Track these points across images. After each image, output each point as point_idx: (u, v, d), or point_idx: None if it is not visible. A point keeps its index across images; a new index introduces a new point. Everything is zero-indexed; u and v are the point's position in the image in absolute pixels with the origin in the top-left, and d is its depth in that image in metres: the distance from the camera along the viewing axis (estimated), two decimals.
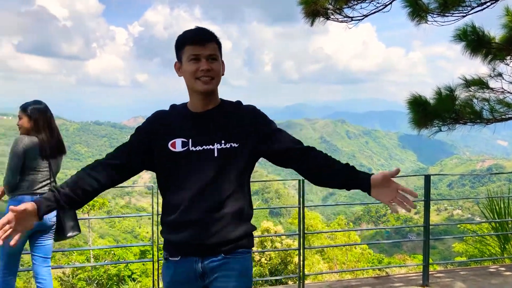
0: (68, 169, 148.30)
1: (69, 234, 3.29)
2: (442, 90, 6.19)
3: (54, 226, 3.29)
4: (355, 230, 19.24)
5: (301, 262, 3.70)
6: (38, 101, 3.32)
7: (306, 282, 4.20)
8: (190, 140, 1.78)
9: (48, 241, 3.30)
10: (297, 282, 3.73)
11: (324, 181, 1.87)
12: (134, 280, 19.22)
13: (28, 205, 1.67)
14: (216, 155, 1.77)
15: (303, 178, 3.65)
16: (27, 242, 3.31)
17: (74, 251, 20.50)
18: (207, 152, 1.77)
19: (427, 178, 3.98)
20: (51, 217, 3.24)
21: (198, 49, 1.77)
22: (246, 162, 1.83)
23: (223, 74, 1.86)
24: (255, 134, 1.83)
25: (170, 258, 1.85)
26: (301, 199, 3.67)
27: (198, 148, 1.77)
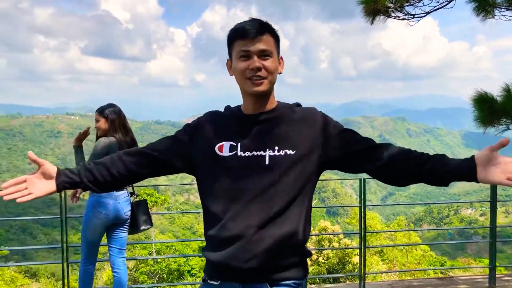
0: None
1: (142, 228, 3.54)
2: (510, 86, 5.95)
3: (129, 220, 3.54)
4: (416, 231, 18.69)
5: (362, 261, 3.72)
6: (112, 104, 3.58)
7: (366, 281, 4.21)
8: (239, 144, 1.58)
9: (123, 234, 3.56)
10: (358, 281, 3.76)
11: (415, 177, 1.55)
12: (193, 275, 19.79)
13: (49, 166, 1.54)
14: (267, 163, 1.53)
15: (364, 177, 3.67)
16: (105, 234, 3.58)
17: (137, 245, 21.42)
18: (257, 159, 1.54)
19: None
20: (126, 211, 3.50)
21: (248, 44, 1.53)
22: (305, 173, 1.56)
23: (280, 72, 1.62)
24: (316, 139, 1.58)
25: (208, 281, 1.59)
26: (362, 198, 3.69)
27: (247, 153, 1.56)
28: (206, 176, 1.62)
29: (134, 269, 20.06)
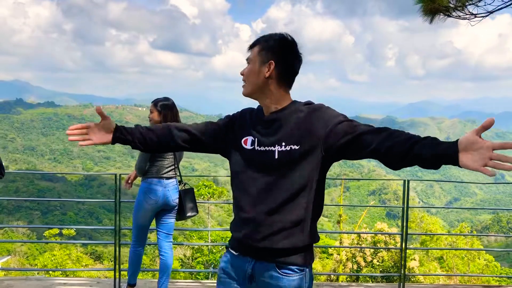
0: (192, 158, 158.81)
1: (189, 214, 3.78)
2: None
3: (177, 207, 3.78)
4: (465, 235, 17.79)
5: (403, 262, 3.71)
6: (167, 98, 3.81)
7: (410, 284, 4.18)
8: (257, 139, 1.80)
9: (171, 220, 3.81)
10: (398, 282, 3.75)
11: (405, 159, 1.56)
12: None
13: (110, 121, 1.85)
14: (276, 157, 1.73)
15: (408, 179, 3.66)
16: (154, 219, 3.84)
17: (194, 235, 22.05)
18: (269, 154, 1.75)
19: None
20: (174, 198, 3.74)
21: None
22: (309, 166, 1.72)
23: (266, 76, 1.78)
24: (318, 134, 1.71)
25: (230, 249, 1.88)
26: (405, 199, 3.68)
27: (262, 148, 1.77)
28: (233, 163, 1.89)
29: (191, 258, 20.75)
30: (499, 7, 5.17)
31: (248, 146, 1.82)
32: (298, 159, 1.72)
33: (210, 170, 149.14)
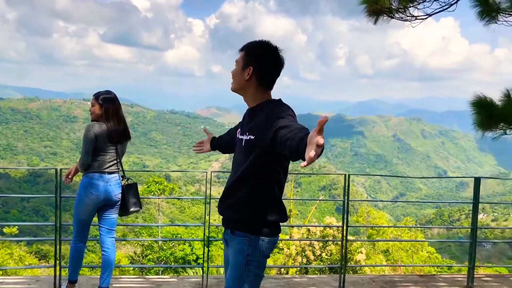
0: (144, 154, 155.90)
1: (132, 210, 3.74)
2: (510, 91, 5.98)
3: (119, 202, 3.73)
4: (402, 227, 18.64)
5: (343, 254, 3.84)
6: (109, 91, 3.75)
7: (352, 275, 4.34)
8: (239, 130, 2.27)
9: (113, 215, 3.76)
10: (339, 273, 3.89)
11: (293, 155, 1.71)
12: (199, 264, 20.03)
13: (211, 136, 2.75)
14: (243, 144, 2.16)
15: (349, 173, 3.80)
16: (96, 215, 3.77)
17: (143, 232, 21.70)
18: (241, 142, 2.19)
19: (477, 181, 3.95)
20: (116, 194, 3.68)
21: None
22: (259, 154, 2.07)
23: (246, 79, 2.15)
24: (268, 127, 1.96)
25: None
26: (346, 192, 3.81)
27: (240, 137, 2.21)
28: None
29: (142, 255, 20.41)
30: (437, 10, 5.43)
31: (238, 135, 2.27)
32: (252, 148, 2.09)
33: (162, 166, 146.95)
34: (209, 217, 3.74)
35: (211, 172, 3.90)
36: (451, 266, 6.26)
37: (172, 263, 19.80)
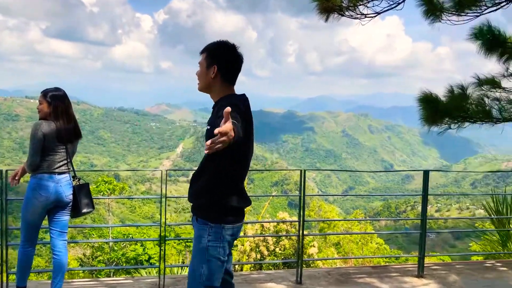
0: (91, 153, 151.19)
1: (84, 211, 3.59)
2: (454, 88, 6.25)
3: (71, 203, 3.57)
4: (353, 220, 19.31)
5: (300, 249, 3.89)
6: (58, 88, 3.57)
7: (307, 268, 4.40)
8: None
9: (65, 217, 3.59)
10: (296, 267, 3.93)
11: None
12: (152, 264, 19.68)
13: None
14: (205, 135, 2.28)
15: (305, 168, 3.84)
16: (46, 217, 3.59)
17: (93, 233, 21.06)
18: (205, 133, 2.33)
19: (426, 174, 4.11)
20: (67, 194, 3.52)
21: None
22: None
23: (212, 77, 2.33)
24: (213, 119, 2.24)
25: None
26: (302, 188, 3.85)
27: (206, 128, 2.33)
28: None
29: (92, 257, 19.79)
30: (385, 9, 5.59)
31: None
32: (208, 138, 2.07)
33: (110, 166, 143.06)
34: (165, 216, 3.66)
35: (166, 170, 3.82)
36: (400, 256, 6.50)
37: (124, 264, 19.36)
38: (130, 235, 19.92)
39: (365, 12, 5.80)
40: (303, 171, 3.81)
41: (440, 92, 6.47)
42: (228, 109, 1.76)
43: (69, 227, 3.69)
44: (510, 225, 5.27)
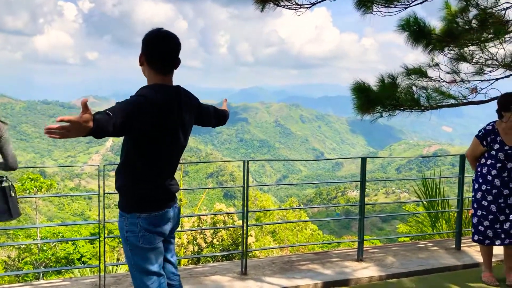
0: (14, 150, 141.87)
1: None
2: (385, 77, 6.51)
3: None
4: (297, 208, 19.85)
5: (245, 239, 3.88)
6: None
7: (251, 259, 4.41)
8: None
9: None
10: (241, 258, 3.92)
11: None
12: (84, 263, 18.97)
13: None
14: None
15: (248, 159, 3.82)
16: None
17: (20, 234, 19.88)
18: None
19: (363, 161, 4.25)
20: None
21: None
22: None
23: (140, 65, 2.32)
24: None
25: None
26: (245, 179, 3.83)
27: None
28: None
29: (18, 259, 18.70)
30: (320, 0, 5.68)
31: None
32: None
33: (35, 162, 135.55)
34: (104, 213, 3.49)
35: (104, 165, 3.64)
36: (342, 242, 6.72)
37: (53, 265, 18.48)
38: (61, 234, 19.03)
39: (299, 2, 5.89)
40: (246, 162, 3.79)
41: (372, 81, 6.73)
42: (85, 99, 1.73)
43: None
44: (439, 207, 5.59)
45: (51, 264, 18.34)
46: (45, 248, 18.26)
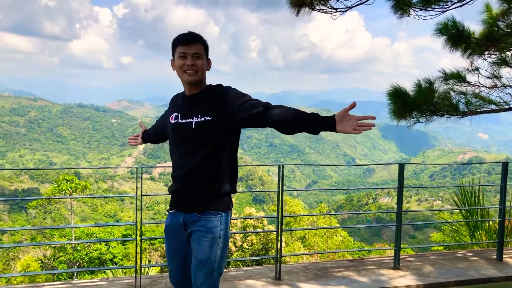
0: (50, 151, 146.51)
1: None
2: (421, 82, 6.36)
3: None
4: (330, 214, 19.65)
5: (279, 244, 3.85)
6: None
7: (284, 264, 4.37)
8: (180, 114, 2.32)
9: None
10: (275, 263, 3.89)
11: (296, 129, 2.22)
12: (116, 263, 19.31)
13: (142, 129, 2.91)
14: (193, 126, 2.25)
15: (283, 164, 3.79)
16: None
17: (55, 234, 20.42)
18: (189, 124, 2.27)
19: (401, 167, 4.15)
20: None
21: (185, 48, 2.26)
22: (218, 132, 2.25)
23: (208, 69, 2.34)
24: (228, 109, 2.23)
25: (169, 210, 2.44)
26: (280, 183, 3.81)
27: (183, 120, 2.29)
28: (168, 136, 2.47)
29: (53, 258, 19.21)
30: (357, 3, 5.60)
31: (173, 121, 2.35)
32: (210, 127, 2.23)
33: (70, 163, 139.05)
34: (140, 215, 3.53)
35: (141, 167, 3.68)
36: (380, 249, 6.59)
37: (87, 264, 18.88)
38: (94, 234, 19.44)
39: (335, 6, 5.84)
40: (281, 167, 3.76)
41: (409, 86, 6.59)
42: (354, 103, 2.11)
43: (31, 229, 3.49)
44: (478, 216, 5.41)
45: (84, 264, 18.74)
46: (79, 248, 18.69)
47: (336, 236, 21.93)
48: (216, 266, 2.26)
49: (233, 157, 2.36)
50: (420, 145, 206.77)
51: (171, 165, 2.42)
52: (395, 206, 4.25)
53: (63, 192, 18.96)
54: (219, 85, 2.33)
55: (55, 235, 19.88)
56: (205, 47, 2.32)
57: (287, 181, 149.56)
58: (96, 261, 19.13)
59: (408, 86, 6.24)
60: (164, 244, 2.49)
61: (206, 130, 2.23)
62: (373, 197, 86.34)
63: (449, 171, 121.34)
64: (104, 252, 19.45)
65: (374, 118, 2.14)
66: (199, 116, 2.24)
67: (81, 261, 18.71)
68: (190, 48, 2.26)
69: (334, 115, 2.16)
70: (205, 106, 2.26)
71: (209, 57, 2.35)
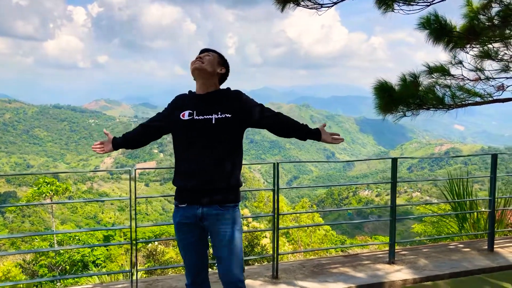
0: (27, 154, 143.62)
1: None
2: (406, 76, 6.41)
3: None
4: (323, 211, 19.84)
5: (275, 243, 3.82)
6: None
7: (280, 262, 4.35)
8: (195, 111, 2.45)
9: None
10: (271, 262, 3.86)
11: (291, 135, 2.60)
12: (98, 265, 19.03)
13: (109, 137, 2.81)
14: (213, 122, 2.41)
15: (278, 161, 3.76)
16: None
17: (37, 237, 20.00)
18: (207, 120, 2.42)
19: (394, 161, 4.17)
20: None
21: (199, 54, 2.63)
22: (236, 130, 2.48)
23: (221, 73, 2.61)
24: (241, 108, 2.49)
25: (179, 205, 2.51)
26: (276, 182, 3.78)
27: (201, 117, 2.43)
28: (176, 133, 2.53)
29: (33, 262, 18.80)
30: None
31: (186, 118, 2.46)
32: (228, 124, 2.44)
33: (48, 166, 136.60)
34: (135, 218, 3.45)
35: (135, 169, 3.60)
36: (373, 244, 6.63)
37: (67, 268, 18.53)
38: (77, 237, 19.12)
39: (321, 2, 5.81)
40: (276, 164, 3.73)
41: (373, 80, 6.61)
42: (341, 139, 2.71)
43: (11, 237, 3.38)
44: (467, 208, 5.48)
45: (67, 266, 18.40)
46: (61, 251, 18.35)
47: (319, 230, 22.09)
48: (242, 255, 2.49)
49: (242, 152, 2.59)
50: (397, 138, 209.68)
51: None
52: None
53: (43, 195, 18.56)
54: (229, 88, 2.61)
55: (36, 239, 19.46)
56: (222, 59, 2.64)
57: (269, 176, 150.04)
58: (79, 264, 18.80)
59: (393, 80, 6.28)
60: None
61: (226, 127, 2.42)
62: (353, 191, 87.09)
63: (426, 162, 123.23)
64: (87, 254, 19.14)
65: (338, 135, 2.69)
66: (219, 113, 2.43)
67: (63, 265, 18.38)
68: (202, 53, 2.62)
69: (318, 128, 2.66)
70: (225, 105, 2.47)
71: (224, 67, 2.63)
